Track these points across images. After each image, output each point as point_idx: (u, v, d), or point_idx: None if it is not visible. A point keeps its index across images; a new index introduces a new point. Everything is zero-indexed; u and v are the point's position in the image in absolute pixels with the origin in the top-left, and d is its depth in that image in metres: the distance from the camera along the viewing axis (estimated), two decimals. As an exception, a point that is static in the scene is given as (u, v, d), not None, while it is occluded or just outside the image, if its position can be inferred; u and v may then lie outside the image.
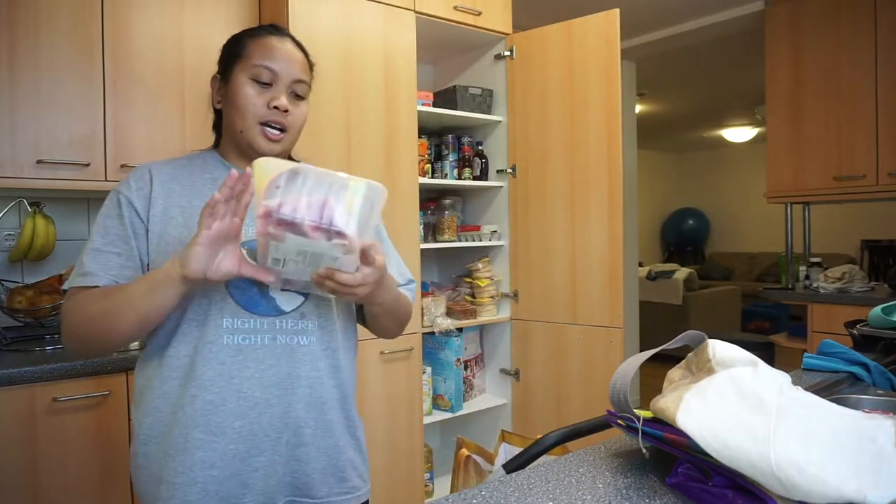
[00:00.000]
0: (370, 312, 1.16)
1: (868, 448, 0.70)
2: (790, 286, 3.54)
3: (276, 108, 1.06)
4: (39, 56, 1.87)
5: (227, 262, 0.93)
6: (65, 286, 1.05)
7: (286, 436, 1.04)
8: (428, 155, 2.70)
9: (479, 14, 2.59)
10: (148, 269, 1.04)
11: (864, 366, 1.31)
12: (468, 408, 2.70)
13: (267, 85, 1.07)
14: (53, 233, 2.07)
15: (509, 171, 2.74)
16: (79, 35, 1.93)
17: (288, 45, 1.11)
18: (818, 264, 3.42)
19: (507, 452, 1.76)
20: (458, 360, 2.67)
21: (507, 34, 2.71)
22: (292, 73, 1.09)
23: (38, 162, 1.87)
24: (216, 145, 1.19)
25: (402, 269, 1.26)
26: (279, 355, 1.04)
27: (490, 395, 2.88)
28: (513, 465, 1.00)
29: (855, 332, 1.56)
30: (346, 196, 0.86)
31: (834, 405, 0.78)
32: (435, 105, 2.63)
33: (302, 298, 1.07)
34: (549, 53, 2.59)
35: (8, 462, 1.58)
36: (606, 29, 2.42)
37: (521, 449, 1.24)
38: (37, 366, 1.62)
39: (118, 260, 1.03)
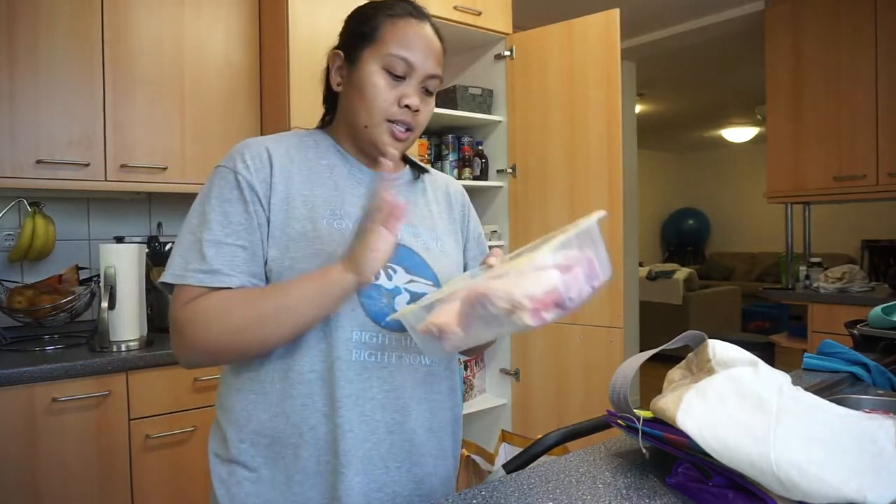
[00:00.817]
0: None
1: (868, 448, 0.70)
2: (790, 286, 3.54)
3: (406, 106, 0.93)
4: (39, 56, 1.87)
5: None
6: (172, 279, 0.87)
7: (406, 465, 0.93)
8: (428, 155, 2.70)
9: (479, 14, 2.59)
10: (266, 266, 0.90)
11: (865, 366, 1.31)
12: (468, 408, 2.70)
13: (400, 78, 0.93)
14: (53, 233, 2.07)
15: (509, 171, 2.74)
16: (79, 35, 1.93)
17: (428, 32, 0.96)
18: (818, 264, 3.42)
19: (507, 452, 1.76)
20: (458, 360, 2.66)
21: (507, 34, 2.71)
22: (427, 68, 0.94)
23: (38, 162, 1.87)
24: (325, 124, 1.05)
25: None
26: (405, 376, 0.93)
27: (490, 395, 2.88)
28: (513, 465, 1.00)
29: (855, 332, 1.56)
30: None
31: (834, 405, 0.78)
32: (435, 105, 2.63)
33: (432, 281, 0.96)
34: (549, 53, 2.59)
35: (8, 462, 1.58)
36: (606, 29, 2.42)
37: (521, 449, 1.24)
38: (36, 366, 1.62)
39: (244, 255, 0.88)
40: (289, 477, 0.89)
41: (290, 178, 0.92)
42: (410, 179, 1.05)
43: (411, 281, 0.94)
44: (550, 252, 0.71)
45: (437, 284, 0.96)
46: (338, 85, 0.98)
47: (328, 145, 0.99)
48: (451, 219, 1.08)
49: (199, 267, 0.86)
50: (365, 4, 0.98)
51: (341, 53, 0.97)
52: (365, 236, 0.80)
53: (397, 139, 0.94)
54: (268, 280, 0.90)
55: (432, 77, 0.96)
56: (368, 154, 0.98)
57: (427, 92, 0.97)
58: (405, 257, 0.94)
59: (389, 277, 0.92)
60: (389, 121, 0.93)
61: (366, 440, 0.89)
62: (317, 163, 0.95)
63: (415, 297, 0.93)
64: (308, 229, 0.89)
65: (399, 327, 0.89)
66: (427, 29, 0.96)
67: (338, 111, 1.00)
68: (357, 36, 0.96)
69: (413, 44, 0.93)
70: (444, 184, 1.11)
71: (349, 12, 1.01)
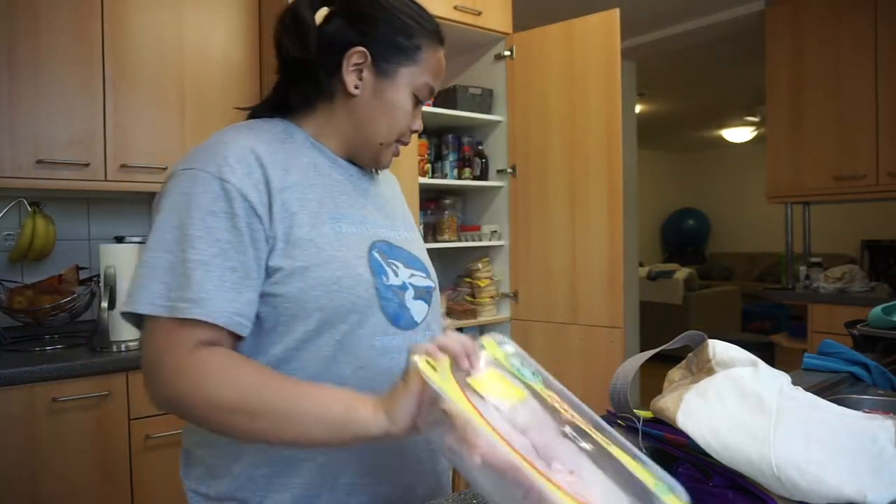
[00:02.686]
0: None
1: (868, 448, 0.70)
2: (790, 286, 3.54)
3: (414, 130, 0.94)
4: (39, 56, 1.87)
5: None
6: (151, 310, 0.74)
7: (430, 465, 0.90)
8: (428, 155, 2.70)
9: (479, 14, 2.59)
10: (268, 280, 0.80)
11: (865, 366, 1.31)
12: (468, 408, 2.70)
13: (419, 103, 0.92)
14: (53, 233, 2.07)
15: (509, 171, 2.74)
16: (78, 35, 1.93)
17: (443, 58, 0.94)
18: (818, 264, 3.42)
19: (507, 452, 1.76)
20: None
21: (507, 34, 2.71)
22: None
23: (38, 162, 1.87)
24: (283, 113, 0.94)
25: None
26: None
27: (490, 395, 2.88)
28: (513, 466, 1.00)
29: (855, 332, 1.56)
30: None
31: (834, 405, 0.78)
32: (435, 105, 2.63)
33: (427, 306, 0.91)
34: (549, 53, 2.59)
35: (8, 462, 1.58)
36: (606, 29, 2.42)
37: (521, 449, 1.23)
38: (36, 366, 1.62)
39: (233, 278, 0.76)
40: (310, 495, 0.82)
41: (283, 179, 0.82)
42: (370, 175, 0.99)
43: (412, 275, 0.91)
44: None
45: (428, 274, 0.94)
46: (355, 87, 0.88)
47: (302, 138, 0.90)
48: (405, 206, 1.08)
49: (185, 294, 0.73)
50: (404, 6, 0.89)
51: (368, 55, 0.87)
52: (411, 383, 0.68)
53: (395, 156, 0.96)
54: (275, 296, 0.80)
55: None
56: (360, 162, 0.95)
57: None
58: (397, 253, 0.91)
59: (396, 274, 0.88)
60: (398, 141, 0.93)
61: (390, 450, 0.86)
62: (299, 160, 0.86)
63: (418, 290, 0.90)
64: (314, 236, 0.81)
65: (409, 326, 0.87)
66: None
67: (333, 109, 0.90)
68: (395, 48, 0.88)
69: (441, 74, 0.93)
70: (390, 175, 1.09)
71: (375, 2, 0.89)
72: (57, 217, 2.12)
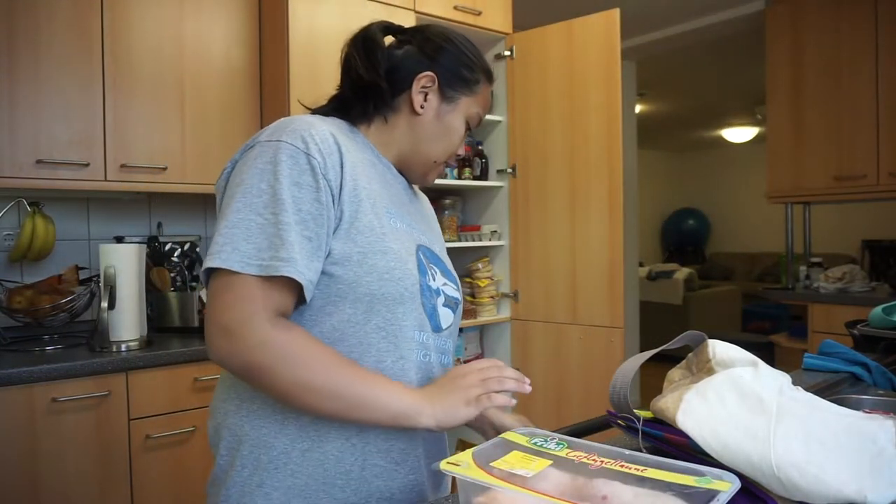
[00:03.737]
0: None
1: (868, 448, 0.70)
2: (790, 286, 3.54)
3: (459, 156, 1.04)
4: (39, 56, 1.87)
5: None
6: (241, 267, 0.76)
7: (434, 460, 0.93)
8: (428, 155, 2.70)
9: (479, 14, 2.59)
10: (326, 260, 0.83)
11: (865, 366, 1.30)
12: (468, 408, 2.70)
13: (468, 129, 1.02)
14: (53, 233, 2.07)
15: (509, 171, 2.74)
16: (78, 35, 1.93)
17: None
18: (818, 264, 3.42)
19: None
20: (458, 360, 2.67)
21: (507, 34, 2.71)
22: None
23: (38, 162, 1.87)
24: (347, 116, 0.98)
25: None
26: (436, 376, 0.93)
27: (490, 395, 2.87)
28: (513, 466, 1.00)
29: (855, 332, 1.56)
30: None
31: (834, 405, 0.78)
32: (435, 105, 2.63)
33: (452, 315, 0.97)
34: (549, 53, 2.59)
35: (8, 462, 1.58)
36: (606, 29, 2.42)
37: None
38: (36, 366, 1.62)
39: (309, 247, 0.80)
40: (327, 482, 0.85)
41: (355, 167, 0.87)
42: (408, 186, 1.05)
43: (445, 284, 0.96)
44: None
45: (458, 287, 1.01)
46: (420, 107, 0.96)
47: (362, 141, 0.96)
48: (437, 223, 1.14)
49: (278, 254, 0.77)
50: (468, 45, 0.99)
51: (437, 80, 0.96)
52: (467, 393, 0.81)
53: (438, 174, 1.04)
54: (330, 276, 0.84)
55: None
56: (408, 176, 1.02)
57: None
58: (434, 260, 0.96)
59: (433, 278, 0.94)
60: (445, 162, 1.02)
61: (414, 437, 0.90)
62: (362, 155, 0.92)
63: (448, 298, 0.96)
64: (375, 224, 0.86)
65: (437, 329, 0.93)
66: None
67: (395, 123, 0.97)
68: (459, 78, 0.98)
69: (488, 109, 1.05)
70: (424, 197, 1.16)
71: (442, 33, 0.99)
72: (57, 217, 2.12)
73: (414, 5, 2.39)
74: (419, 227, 0.98)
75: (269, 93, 2.25)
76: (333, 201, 0.83)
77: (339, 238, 0.84)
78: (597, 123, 2.45)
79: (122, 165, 2.00)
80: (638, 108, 5.47)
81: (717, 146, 8.50)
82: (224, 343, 0.77)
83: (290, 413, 0.85)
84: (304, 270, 0.78)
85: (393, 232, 0.88)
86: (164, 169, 2.08)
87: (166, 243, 2.21)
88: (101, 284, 1.82)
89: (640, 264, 6.28)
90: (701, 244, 8.82)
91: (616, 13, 2.41)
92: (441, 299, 0.94)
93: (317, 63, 2.16)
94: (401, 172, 1.01)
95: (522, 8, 2.94)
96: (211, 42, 2.18)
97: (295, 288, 0.80)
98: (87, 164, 1.94)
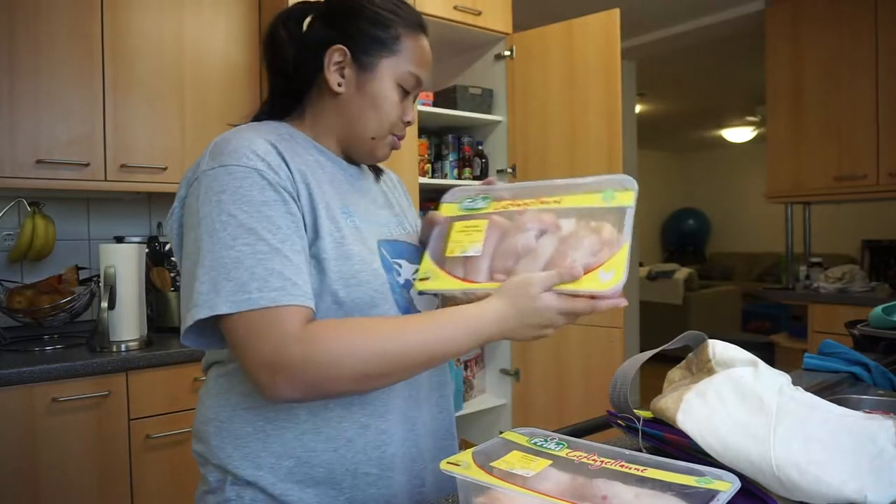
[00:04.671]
0: None
1: (868, 448, 0.70)
2: (790, 286, 3.54)
3: (407, 122, 0.93)
4: (39, 56, 1.87)
5: None
6: (230, 308, 0.72)
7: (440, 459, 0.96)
8: (428, 155, 2.70)
9: (479, 14, 2.59)
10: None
11: (865, 366, 1.30)
12: (468, 408, 2.70)
13: (407, 93, 0.92)
14: (53, 233, 2.07)
15: (509, 171, 2.74)
16: (79, 35, 1.93)
17: (429, 47, 0.94)
18: (819, 264, 3.42)
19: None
20: (458, 360, 2.67)
21: (507, 34, 2.71)
22: (426, 83, 0.95)
23: (38, 162, 1.86)
24: (280, 116, 0.94)
25: None
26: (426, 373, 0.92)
27: (490, 395, 2.88)
28: (513, 466, 0.99)
29: (855, 332, 1.56)
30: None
31: (834, 405, 0.78)
32: (435, 105, 2.63)
33: (437, 301, 0.95)
34: (549, 53, 2.59)
35: (8, 462, 1.58)
36: (607, 29, 2.42)
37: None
38: (36, 366, 1.62)
39: (301, 263, 0.78)
40: (319, 493, 0.83)
41: (303, 173, 0.83)
42: (367, 174, 1.01)
43: (416, 271, 0.92)
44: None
45: None
46: (338, 85, 0.88)
47: (303, 140, 0.90)
48: (410, 204, 1.09)
49: (269, 284, 0.72)
50: (376, 2, 0.90)
51: (347, 52, 0.88)
52: (541, 331, 0.80)
53: (393, 149, 0.96)
54: None
55: (422, 89, 0.96)
56: (356, 158, 0.96)
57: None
58: (403, 250, 0.93)
59: (399, 273, 0.90)
60: (392, 133, 0.93)
61: (406, 439, 0.88)
62: (306, 157, 0.87)
63: None
64: (332, 229, 0.83)
65: None
66: (428, 43, 0.94)
67: (323, 109, 0.91)
68: (373, 41, 0.88)
69: (426, 63, 0.92)
70: (393, 175, 1.11)
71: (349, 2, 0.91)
72: (57, 217, 2.12)
73: (414, 5, 2.39)
74: (378, 218, 0.93)
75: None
76: (299, 209, 0.80)
77: (312, 249, 0.81)
78: (597, 123, 2.45)
79: (122, 165, 2.00)
80: (638, 108, 5.47)
81: (717, 146, 8.49)
82: (272, 383, 0.72)
83: (271, 430, 0.82)
84: (305, 289, 0.76)
85: (352, 233, 0.85)
86: (164, 169, 2.08)
87: (166, 243, 2.21)
88: (101, 284, 1.82)
89: (640, 264, 6.28)
90: (701, 244, 8.82)
91: (616, 13, 2.41)
92: (413, 290, 0.91)
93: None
94: (349, 159, 0.95)
95: (522, 8, 2.94)
96: (211, 42, 2.18)
97: (303, 312, 0.75)
98: (87, 164, 1.94)
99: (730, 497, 0.58)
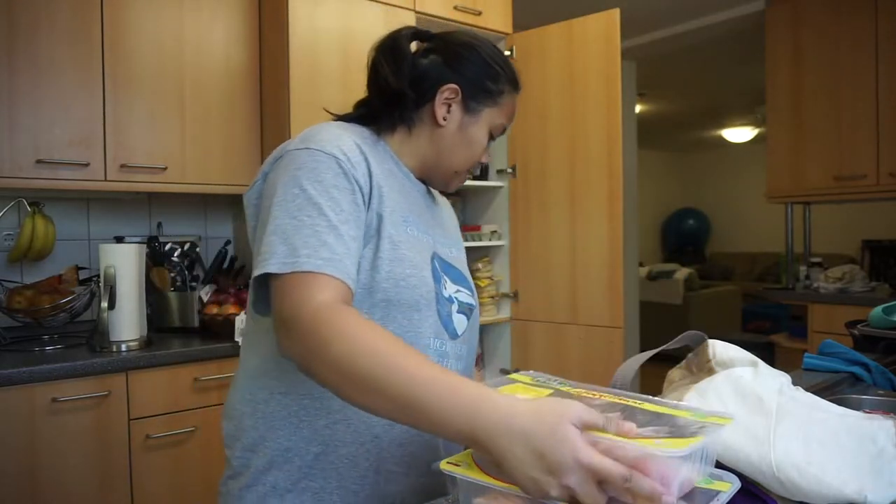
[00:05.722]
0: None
1: (868, 448, 0.70)
2: (790, 286, 3.54)
3: (483, 163, 1.04)
4: (39, 56, 1.87)
5: None
6: (278, 268, 0.75)
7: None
8: (428, 155, 2.70)
9: (479, 14, 2.59)
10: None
11: (865, 366, 1.30)
12: (468, 408, 2.70)
13: (491, 138, 1.02)
14: (53, 233, 2.07)
15: (509, 171, 2.74)
16: (78, 35, 1.93)
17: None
18: (819, 264, 3.42)
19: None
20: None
21: (507, 34, 2.71)
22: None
23: (38, 162, 1.86)
24: (369, 122, 0.98)
25: None
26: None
27: (490, 395, 2.87)
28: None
29: (855, 332, 1.56)
30: None
31: (834, 406, 0.78)
32: (435, 105, 2.63)
33: (466, 321, 0.97)
34: (549, 53, 2.59)
35: (8, 462, 1.58)
36: (606, 29, 2.42)
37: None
38: (36, 366, 1.62)
39: (354, 248, 0.81)
40: (341, 485, 0.85)
41: (378, 177, 0.89)
42: (426, 191, 1.05)
43: (458, 291, 0.97)
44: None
45: (472, 293, 1.01)
46: (443, 119, 0.96)
47: (383, 149, 0.96)
48: (459, 235, 1.14)
49: (318, 253, 0.76)
50: (493, 53, 0.99)
51: (460, 92, 0.95)
52: (547, 468, 0.56)
53: (461, 184, 1.05)
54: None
55: None
56: (431, 183, 1.03)
57: None
58: (446, 268, 0.97)
59: (445, 286, 0.95)
60: (467, 170, 1.02)
61: (434, 447, 0.90)
62: (384, 166, 0.93)
63: (462, 305, 0.97)
64: (393, 233, 0.87)
65: (453, 336, 0.93)
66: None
67: (418, 133, 0.97)
68: (483, 90, 0.97)
69: (513, 117, 1.03)
70: (446, 201, 1.16)
71: (468, 42, 0.98)
72: (57, 217, 2.12)
73: (414, 5, 2.39)
74: (435, 233, 0.98)
75: (269, 93, 2.25)
76: (366, 205, 0.85)
77: (365, 251, 0.86)
78: (597, 123, 2.45)
79: (122, 165, 2.00)
80: (638, 108, 5.47)
81: (717, 146, 8.49)
82: (284, 336, 0.74)
83: (304, 416, 0.86)
84: (348, 269, 0.78)
85: (410, 240, 0.90)
86: (164, 169, 2.08)
87: (166, 243, 2.21)
88: (101, 284, 1.82)
89: (640, 264, 6.28)
90: (701, 244, 8.81)
91: (616, 13, 2.40)
92: (455, 306, 0.95)
93: (317, 63, 2.16)
94: (422, 180, 1.02)
95: (522, 8, 2.94)
96: (211, 42, 2.18)
97: (342, 289, 0.77)
98: (87, 164, 1.94)
99: (730, 497, 0.58)
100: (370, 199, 0.86)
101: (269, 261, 0.76)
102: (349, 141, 0.87)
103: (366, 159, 0.87)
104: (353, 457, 0.85)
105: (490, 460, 0.61)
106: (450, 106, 0.96)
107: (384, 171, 0.91)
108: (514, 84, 1.01)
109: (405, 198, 0.94)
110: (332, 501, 0.85)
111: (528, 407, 0.59)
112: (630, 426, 0.57)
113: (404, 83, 0.94)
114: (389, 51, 0.96)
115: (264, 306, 0.82)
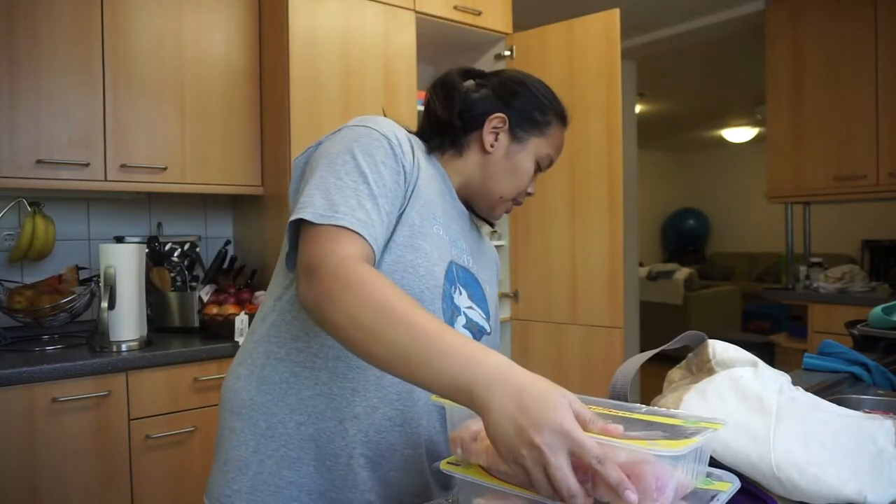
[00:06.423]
0: None
1: (868, 448, 0.70)
2: (790, 286, 3.54)
3: (529, 193, 1.06)
4: (39, 56, 1.87)
5: None
6: (314, 218, 0.77)
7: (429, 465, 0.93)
8: (428, 155, 2.70)
9: (479, 14, 2.59)
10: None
11: (865, 366, 1.30)
12: (468, 408, 2.70)
13: (538, 169, 1.05)
14: (53, 233, 2.07)
15: (509, 171, 2.74)
16: (78, 35, 1.93)
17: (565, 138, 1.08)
18: (819, 264, 3.42)
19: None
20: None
21: (507, 34, 2.71)
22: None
23: (38, 162, 1.87)
24: (431, 145, 1.02)
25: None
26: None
27: (490, 395, 2.88)
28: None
29: (855, 332, 1.56)
30: None
31: (834, 405, 0.78)
32: (435, 105, 2.63)
33: (486, 316, 0.99)
34: (549, 53, 2.59)
35: (8, 462, 1.58)
36: (607, 29, 2.42)
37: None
38: (36, 366, 1.62)
39: (387, 221, 0.84)
40: (317, 458, 0.87)
41: (421, 170, 0.92)
42: (469, 216, 1.06)
43: (470, 307, 0.97)
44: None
45: (488, 319, 1.00)
46: (491, 146, 1.00)
47: (434, 162, 1.00)
48: (496, 275, 1.13)
49: (354, 213, 0.79)
50: (542, 89, 1.03)
51: (507, 121, 1.00)
52: (529, 440, 0.55)
53: (506, 212, 1.07)
54: None
55: None
56: (475, 208, 1.05)
57: None
58: (470, 283, 0.97)
59: (459, 294, 0.95)
60: (513, 199, 1.04)
61: (417, 437, 0.90)
62: (428, 169, 0.96)
63: (471, 322, 0.96)
64: (416, 222, 0.89)
65: (483, 331, 0.95)
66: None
67: (466, 157, 1.01)
68: (530, 120, 1.01)
69: (560, 150, 1.06)
70: (488, 240, 1.16)
71: (518, 77, 1.03)
72: (57, 217, 2.12)
73: (414, 5, 2.39)
74: (460, 241, 0.98)
75: (268, 93, 2.25)
76: (406, 188, 0.88)
77: (396, 233, 0.88)
78: (597, 123, 2.45)
79: (122, 165, 2.00)
80: (638, 108, 5.47)
81: (717, 146, 8.49)
82: (305, 281, 0.76)
83: (293, 384, 0.88)
84: (377, 234, 0.81)
85: (431, 235, 0.91)
86: (164, 169, 2.08)
87: (166, 243, 2.21)
88: (101, 284, 1.82)
89: (640, 264, 6.28)
90: (701, 244, 8.82)
91: (616, 13, 2.41)
92: (461, 319, 0.94)
93: (317, 63, 2.16)
94: (466, 204, 1.04)
95: (522, 8, 2.94)
96: (211, 42, 2.18)
97: (368, 251, 0.79)
98: (87, 164, 1.94)
99: (730, 497, 0.58)
100: (410, 185, 0.89)
101: (307, 209, 0.79)
102: (403, 133, 0.92)
103: (413, 151, 0.91)
104: (331, 433, 0.87)
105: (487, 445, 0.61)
106: (497, 134, 1.00)
107: (428, 174, 0.95)
108: (562, 117, 1.04)
109: (441, 201, 0.96)
110: (308, 472, 0.87)
111: (531, 374, 0.60)
112: (616, 427, 0.56)
113: (454, 113, 0.99)
114: (440, 86, 1.02)
115: (294, 265, 0.83)
